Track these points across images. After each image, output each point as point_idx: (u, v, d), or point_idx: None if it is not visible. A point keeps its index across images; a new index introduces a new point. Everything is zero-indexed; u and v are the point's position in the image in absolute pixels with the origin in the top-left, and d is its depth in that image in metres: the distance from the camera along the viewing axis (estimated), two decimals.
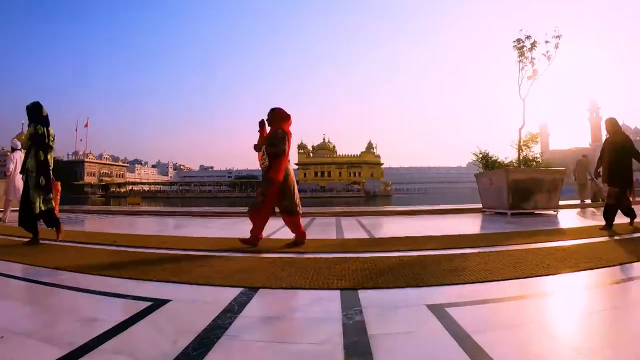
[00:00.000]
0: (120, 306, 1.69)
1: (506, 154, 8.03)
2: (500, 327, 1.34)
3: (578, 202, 9.03)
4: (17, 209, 4.14)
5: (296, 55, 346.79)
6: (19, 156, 6.04)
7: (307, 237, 3.43)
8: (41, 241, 3.55)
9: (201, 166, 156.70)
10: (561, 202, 7.02)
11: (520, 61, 7.56)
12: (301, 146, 77.57)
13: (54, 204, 3.90)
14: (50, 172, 3.76)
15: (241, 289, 1.87)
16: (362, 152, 77.45)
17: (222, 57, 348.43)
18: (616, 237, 3.41)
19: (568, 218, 5.85)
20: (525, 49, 7.48)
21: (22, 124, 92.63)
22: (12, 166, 6.11)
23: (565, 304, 1.68)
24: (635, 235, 3.58)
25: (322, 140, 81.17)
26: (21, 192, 3.91)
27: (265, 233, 4.35)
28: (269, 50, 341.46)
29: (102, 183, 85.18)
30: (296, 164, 77.60)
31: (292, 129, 3.42)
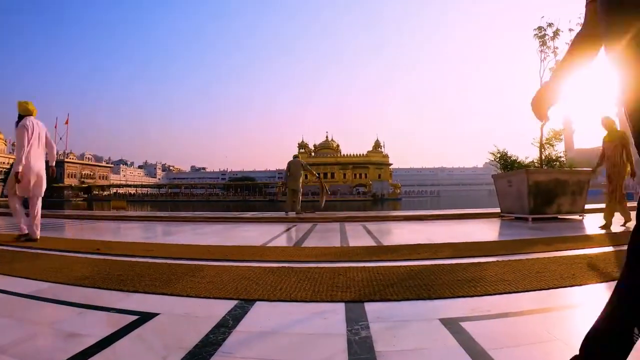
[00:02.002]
0: (104, 320, 1.69)
1: (526, 153, 8.01)
2: (521, 344, 1.34)
3: (605, 206, 8.94)
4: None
5: (297, 48, 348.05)
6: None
7: (309, 244, 3.44)
8: (15, 248, 3.57)
9: (192, 167, 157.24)
10: (587, 206, 6.99)
11: (541, 51, 7.55)
12: (302, 145, 77.60)
13: None
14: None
15: (236, 302, 1.87)
16: (368, 152, 77.33)
17: (217, 52, 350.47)
18: None
19: (595, 223, 5.82)
20: (547, 37, 7.47)
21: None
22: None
23: (593, 318, 1.66)
24: None
25: (324, 139, 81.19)
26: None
27: (262, 240, 4.36)
28: (268, 45, 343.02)
29: (84, 185, 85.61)
30: None
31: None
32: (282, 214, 8.48)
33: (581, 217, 6.49)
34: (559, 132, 7.53)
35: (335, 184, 74.04)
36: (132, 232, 5.76)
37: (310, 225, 6.24)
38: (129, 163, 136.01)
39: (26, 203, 4.50)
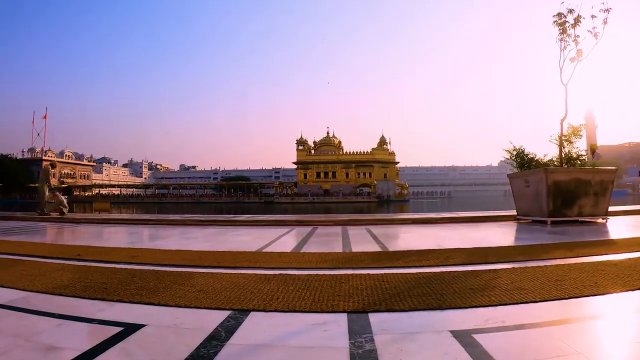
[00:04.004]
0: (85, 332, 1.69)
1: (545, 150, 7.97)
2: (539, 357, 1.34)
3: (631, 207, 8.98)
4: None
5: (297, 39, 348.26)
6: None
7: (308, 249, 3.44)
8: None
9: (182, 166, 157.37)
10: (611, 208, 6.99)
11: (561, 39, 7.51)
12: (301, 141, 77.47)
13: None
14: None
15: (229, 312, 1.87)
16: (373, 149, 77.13)
17: (210, 43, 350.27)
18: None
19: (619, 227, 5.82)
20: (567, 24, 7.44)
21: None
22: None
23: (617, 329, 1.67)
24: None
25: (325, 135, 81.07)
26: None
27: (257, 245, 4.36)
28: (266, 35, 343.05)
29: (64, 185, 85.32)
30: (295, 163, 77.59)
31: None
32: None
33: (604, 220, 6.48)
34: (578, 128, 7.49)
35: (337, 183, 73.93)
36: (116, 237, 5.77)
37: (310, 229, 6.24)
38: (112, 161, 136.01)
39: None
